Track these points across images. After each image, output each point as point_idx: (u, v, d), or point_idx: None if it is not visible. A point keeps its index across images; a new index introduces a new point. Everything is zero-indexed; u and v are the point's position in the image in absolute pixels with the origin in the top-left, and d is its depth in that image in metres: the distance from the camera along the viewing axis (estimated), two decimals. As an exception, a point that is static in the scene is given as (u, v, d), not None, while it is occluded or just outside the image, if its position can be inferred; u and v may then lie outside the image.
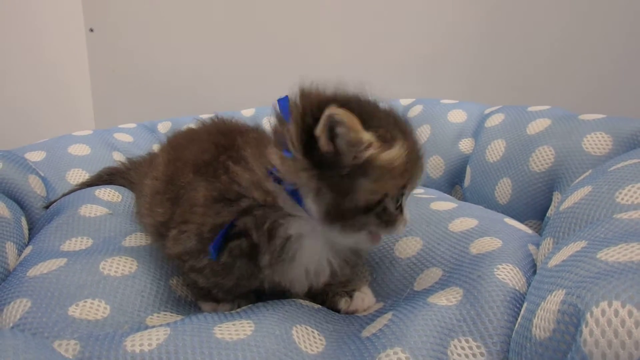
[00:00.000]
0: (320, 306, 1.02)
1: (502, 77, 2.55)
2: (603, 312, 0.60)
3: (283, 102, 0.89)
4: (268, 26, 2.72)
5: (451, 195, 1.68)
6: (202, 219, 0.97)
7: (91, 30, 2.79)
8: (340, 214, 0.88)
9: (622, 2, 2.26)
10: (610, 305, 0.60)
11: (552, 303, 0.70)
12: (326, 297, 1.06)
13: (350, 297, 1.04)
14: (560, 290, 0.70)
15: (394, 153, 0.85)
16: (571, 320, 0.64)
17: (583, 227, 0.94)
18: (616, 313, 0.59)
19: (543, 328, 0.70)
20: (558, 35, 2.42)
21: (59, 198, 1.42)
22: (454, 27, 2.59)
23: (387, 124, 0.87)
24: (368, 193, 0.85)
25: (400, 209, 0.91)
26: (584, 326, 0.60)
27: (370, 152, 0.82)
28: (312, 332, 0.90)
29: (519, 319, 0.82)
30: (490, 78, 2.57)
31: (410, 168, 0.87)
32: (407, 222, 0.93)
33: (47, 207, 1.40)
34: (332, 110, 0.79)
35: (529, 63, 2.50)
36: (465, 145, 1.68)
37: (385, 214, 0.88)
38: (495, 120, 1.60)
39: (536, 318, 0.73)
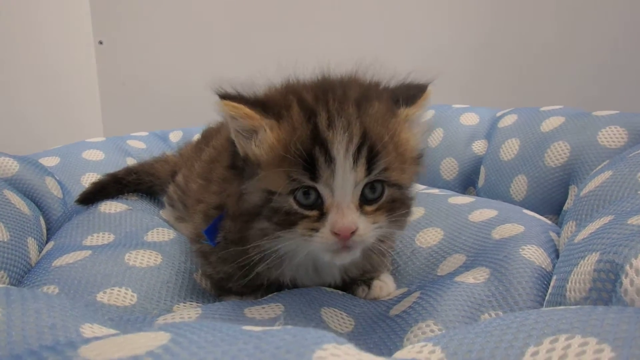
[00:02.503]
0: (344, 292, 1.02)
1: (504, 83, 2.59)
2: (644, 262, 0.60)
3: None
4: (276, 36, 2.75)
5: (464, 196, 1.67)
6: (211, 197, 0.99)
7: (100, 42, 2.80)
8: (237, 218, 0.88)
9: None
10: (650, 255, 0.60)
11: (586, 266, 0.70)
12: (346, 285, 1.06)
13: (368, 285, 1.04)
14: (593, 254, 0.70)
15: (264, 137, 0.81)
16: (608, 277, 0.64)
17: (606, 206, 0.94)
18: (655, 261, 0.59)
19: (578, 290, 0.70)
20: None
21: (90, 190, 1.42)
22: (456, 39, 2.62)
23: (283, 106, 0.82)
24: (250, 193, 0.83)
25: (313, 207, 0.80)
26: (623, 277, 0.61)
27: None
28: (340, 313, 0.90)
29: (550, 290, 0.82)
30: (491, 85, 2.61)
31: (293, 152, 0.76)
32: (343, 227, 0.78)
33: (79, 200, 1.40)
34: (224, 104, 0.81)
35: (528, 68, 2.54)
36: (479, 146, 1.69)
37: (276, 215, 0.81)
38: (508, 120, 1.61)
39: (569, 283, 0.73)
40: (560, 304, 0.74)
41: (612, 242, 0.70)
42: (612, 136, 1.26)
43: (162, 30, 2.81)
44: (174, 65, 2.80)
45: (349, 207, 0.78)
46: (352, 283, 1.05)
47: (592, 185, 1.06)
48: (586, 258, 0.72)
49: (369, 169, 0.77)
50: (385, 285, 1.04)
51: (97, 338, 0.45)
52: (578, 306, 0.55)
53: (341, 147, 0.75)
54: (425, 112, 0.87)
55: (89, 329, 0.53)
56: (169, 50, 2.82)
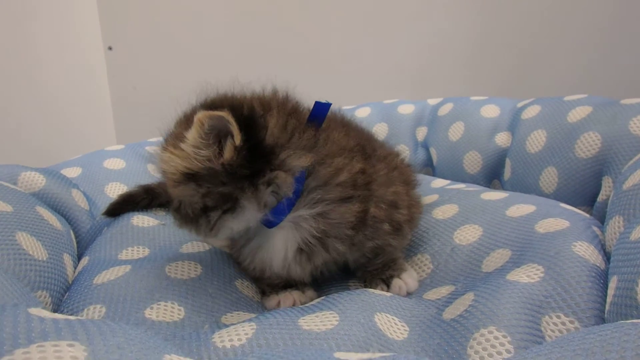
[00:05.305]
0: (391, 294, 1.01)
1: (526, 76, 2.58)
2: None
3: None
4: (287, 41, 2.74)
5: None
6: None
7: (110, 48, 2.78)
8: None
9: None
10: None
11: (658, 267, 0.69)
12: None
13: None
14: (665, 254, 0.69)
15: None
16: (688, 278, 0.62)
17: (657, 201, 0.92)
18: None
19: (653, 292, 0.68)
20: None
21: (118, 201, 1.40)
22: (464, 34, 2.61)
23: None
24: None
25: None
26: None
27: None
28: (393, 319, 0.88)
29: (613, 292, 0.80)
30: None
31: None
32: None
33: (107, 212, 1.38)
34: None
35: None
36: (502, 138, 1.66)
37: None
38: (532, 112, 1.59)
39: (639, 286, 0.71)
40: (630, 307, 0.73)
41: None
42: (644, 125, 1.24)
43: (171, 34, 2.79)
44: (184, 68, 2.78)
45: None
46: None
47: (635, 178, 1.04)
48: (656, 258, 0.70)
49: None
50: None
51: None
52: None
53: None
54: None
55: (170, 361, 0.52)
56: (178, 54, 2.80)
